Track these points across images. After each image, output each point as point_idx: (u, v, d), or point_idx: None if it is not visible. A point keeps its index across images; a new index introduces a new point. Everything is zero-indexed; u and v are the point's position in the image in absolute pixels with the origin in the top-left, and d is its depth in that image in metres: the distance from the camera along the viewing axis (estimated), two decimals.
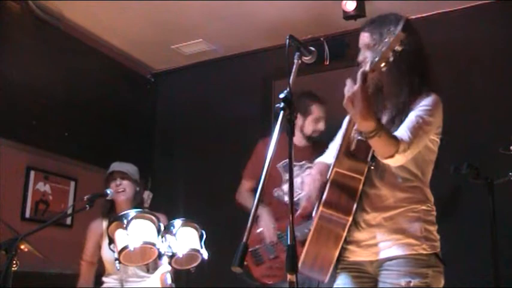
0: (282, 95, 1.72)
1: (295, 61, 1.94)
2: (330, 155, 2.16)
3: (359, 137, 1.84)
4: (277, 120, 1.71)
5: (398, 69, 1.88)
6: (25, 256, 2.68)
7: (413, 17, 4.40)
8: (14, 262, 2.54)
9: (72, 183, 4.52)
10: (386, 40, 1.64)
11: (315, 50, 2.00)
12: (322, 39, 4.49)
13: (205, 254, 2.76)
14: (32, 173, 4.21)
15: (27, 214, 4.14)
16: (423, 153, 1.92)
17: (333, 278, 2.01)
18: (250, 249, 3.52)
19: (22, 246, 2.62)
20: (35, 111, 4.23)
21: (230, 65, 5.19)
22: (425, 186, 1.97)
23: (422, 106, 1.87)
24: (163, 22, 4.61)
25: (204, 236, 2.84)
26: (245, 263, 3.88)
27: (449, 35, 4.26)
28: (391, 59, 1.66)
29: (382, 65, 1.66)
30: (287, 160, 2.77)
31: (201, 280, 3.07)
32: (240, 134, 4.90)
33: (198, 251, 2.74)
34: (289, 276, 1.52)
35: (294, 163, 3.17)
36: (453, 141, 3.80)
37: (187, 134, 5.27)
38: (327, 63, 4.29)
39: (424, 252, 1.87)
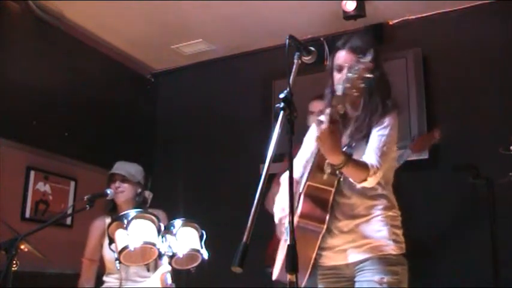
0: (282, 95, 1.74)
1: (295, 61, 1.96)
2: (296, 170, 2.28)
3: None
4: (277, 120, 1.71)
5: (365, 94, 2.01)
6: (25, 256, 2.69)
7: (413, 17, 4.42)
8: (14, 262, 2.54)
9: (72, 183, 4.52)
10: (356, 68, 1.72)
11: (315, 50, 2.00)
12: (322, 39, 4.49)
13: (205, 254, 2.76)
14: (32, 173, 4.21)
15: (27, 214, 4.14)
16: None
17: (312, 280, 2.14)
18: (272, 256, 3.57)
19: (22, 246, 2.62)
20: (35, 111, 4.23)
21: (230, 65, 5.19)
22: (389, 192, 2.14)
23: (384, 124, 2.04)
24: (163, 22, 4.61)
25: (204, 236, 2.84)
26: (271, 269, 3.91)
27: (449, 35, 4.26)
28: (362, 85, 1.75)
29: (354, 91, 1.76)
30: None
31: (201, 280, 3.07)
32: (240, 134, 4.90)
33: (198, 251, 2.74)
34: (289, 276, 1.52)
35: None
36: (453, 141, 3.83)
37: (187, 134, 5.27)
38: (327, 63, 4.29)
39: (394, 252, 2.04)
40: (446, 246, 3.84)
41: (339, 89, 1.74)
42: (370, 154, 1.99)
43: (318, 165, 2.02)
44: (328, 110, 1.80)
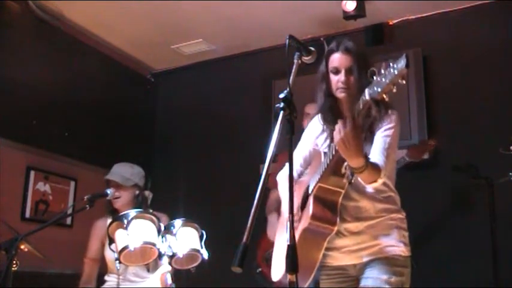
0: (282, 95, 1.74)
1: (295, 61, 1.96)
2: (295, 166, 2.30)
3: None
4: (277, 120, 1.71)
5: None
6: (25, 256, 2.68)
7: (413, 17, 4.42)
8: (14, 262, 2.54)
9: (72, 183, 4.52)
10: (387, 73, 1.68)
11: (314, 50, 2.00)
12: (322, 39, 4.49)
13: (205, 254, 2.76)
14: (32, 173, 4.22)
15: (27, 214, 4.14)
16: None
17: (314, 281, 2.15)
18: (262, 256, 3.56)
19: (22, 246, 2.62)
20: (35, 111, 4.24)
21: (230, 65, 5.20)
22: (395, 193, 2.16)
23: (387, 125, 2.06)
24: (163, 22, 4.61)
25: (204, 236, 2.84)
26: (260, 269, 3.88)
27: (449, 35, 4.26)
28: (394, 90, 1.71)
29: (385, 96, 1.73)
30: None
31: (201, 280, 3.07)
32: (240, 134, 4.90)
33: (198, 251, 2.73)
34: (289, 276, 1.52)
35: None
36: (453, 141, 3.83)
37: (187, 134, 5.28)
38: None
39: (403, 254, 2.07)
40: (446, 246, 3.84)
41: (366, 93, 1.74)
42: (376, 155, 2.00)
43: (332, 169, 2.02)
44: (351, 114, 1.83)
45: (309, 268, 2.05)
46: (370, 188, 2.05)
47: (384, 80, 1.68)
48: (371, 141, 2.06)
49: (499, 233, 3.30)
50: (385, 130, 2.06)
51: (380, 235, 2.08)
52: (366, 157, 1.90)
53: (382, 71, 1.68)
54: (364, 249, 2.08)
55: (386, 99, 1.73)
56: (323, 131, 2.25)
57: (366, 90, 1.74)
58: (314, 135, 2.30)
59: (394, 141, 2.07)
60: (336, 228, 2.03)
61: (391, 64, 1.67)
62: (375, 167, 1.94)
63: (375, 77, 1.72)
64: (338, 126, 1.85)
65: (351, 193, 2.09)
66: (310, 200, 2.08)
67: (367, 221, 2.09)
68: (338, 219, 2.04)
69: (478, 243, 3.56)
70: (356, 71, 2.09)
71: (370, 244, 2.08)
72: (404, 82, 1.69)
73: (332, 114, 2.17)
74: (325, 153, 2.13)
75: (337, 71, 2.13)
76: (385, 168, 1.97)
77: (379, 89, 1.69)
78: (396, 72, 1.65)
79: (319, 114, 2.25)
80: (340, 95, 2.12)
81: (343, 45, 2.15)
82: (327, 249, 2.10)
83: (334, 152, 1.96)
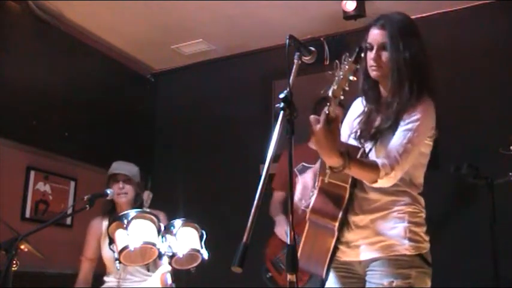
0: (282, 95, 1.73)
1: (295, 61, 1.94)
2: None
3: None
4: (277, 120, 1.71)
5: (399, 77, 1.92)
6: (25, 256, 2.69)
7: (413, 17, 4.41)
8: (14, 262, 2.54)
9: (72, 183, 4.52)
10: (341, 68, 1.64)
11: (315, 50, 1.99)
12: (322, 39, 4.49)
13: (205, 254, 2.76)
14: (32, 173, 4.22)
15: (27, 214, 4.14)
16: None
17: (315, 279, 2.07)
18: (271, 260, 3.55)
19: (22, 246, 2.62)
20: (35, 111, 4.23)
21: (230, 65, 5.19)
22: (413, 189, 2.00)
23: (412, 116, 1.89)
24: (163, 22, 4.61)
25: (204, 236, 2.84)
26: (270, 274, 3.86)
27: (449, 35, 4.26)
28: (347, 88, 1.67)
29: (341, 93, 1.68)
30: (302, 163, 2.70)
31: (201, 280, 3.07)
32: (240, 134, 4.90)
33: (198, 251, 2.74)
34: (289, 277, 1.52)
35: (310, 165, 3.13)
36: (453, 141, 3.83)
37: (187, 133, 5.28)
38: (327, 63, 4.30)
39: (408, 253, 1.89)
40: (446, 246, 3.83)
41: (329, 90, 1.66)
42: (389, 152, 1.84)
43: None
44: (325, 109, 1.69)
45: (322, 255, 1.96)
46: None
47: (339, 75, 1.63)
48: (394, 131, 1.89)
49: (499, 233, 3.30)
50: (408, 123, 1.87)
51: (384, 231, 1.91)
52: (346, 155, 1.74)
53: (342, 65, 1.63)
54: (366, 246, 1.94)
55: (342, 97, 1.64)
56: (362, 113, 2.08)
57: (331, 86, 1.67)
58: (352, 119, 2.12)
59: (419, 136, 1.87)
60: (337, 224, 1.90)
61: (344, 58, 1.62)
62: (366, 167, 1.81)
63: (337, 73, 1.67)
64: (312, 122, 1.71)
65: (363, 183, 1.92)
66: (315, 193, 1.98)
67: (372, 214, 1.94)
68: (340, 215, 1.90)
69: (478, 243, 3.56)
70: (390, 48, 1.91)
71: (373, 240, 1.92)
72: (354, 79, 1.64)
73: (373, 93, 2.03)
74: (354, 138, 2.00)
75: (371, 48, 1.96)
76: (395, 166, 1.79)
77: (335, 86, 1.65)
78: (346, 67, 1.61)
79: (362, 96, 2.10)
80: (372, 73, 1.97)
81: (382, 19, 1.98)
82: (340, 242, 1.98)
83: None
